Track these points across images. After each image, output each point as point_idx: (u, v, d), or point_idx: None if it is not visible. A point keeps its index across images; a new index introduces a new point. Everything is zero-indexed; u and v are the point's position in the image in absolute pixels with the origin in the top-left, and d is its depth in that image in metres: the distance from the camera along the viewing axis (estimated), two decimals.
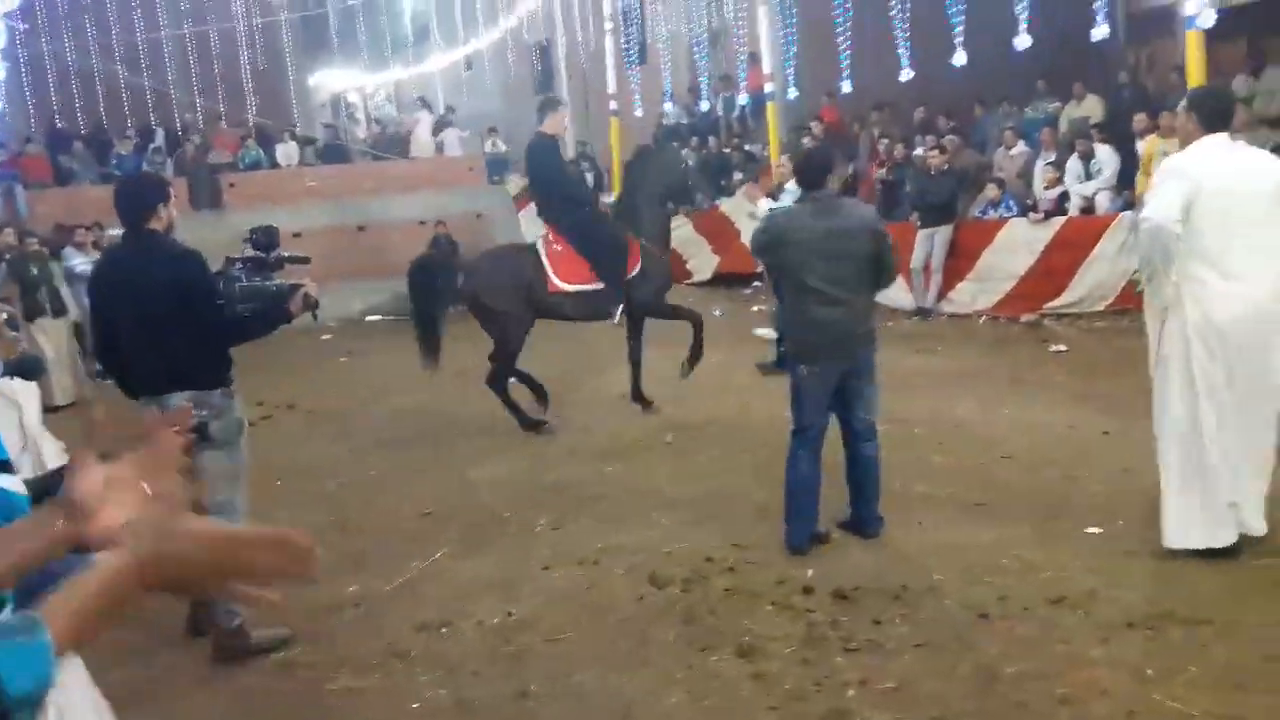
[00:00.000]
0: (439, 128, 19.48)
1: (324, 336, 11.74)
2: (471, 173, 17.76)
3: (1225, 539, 4.08)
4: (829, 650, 3.71)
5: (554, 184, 7.49)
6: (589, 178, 17.14)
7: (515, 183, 18.65)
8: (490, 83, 20.65)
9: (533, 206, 17.30)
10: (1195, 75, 7.55)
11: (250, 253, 4.08)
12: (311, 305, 3.98)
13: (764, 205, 8.12)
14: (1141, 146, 9.48)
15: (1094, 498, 5.02)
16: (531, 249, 7.34)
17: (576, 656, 3.85)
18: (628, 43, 15.98)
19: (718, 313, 11.40)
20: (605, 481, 5.99)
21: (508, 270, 7.15)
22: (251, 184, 15.98)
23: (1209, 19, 7.23)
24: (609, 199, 10.94)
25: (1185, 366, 4.05)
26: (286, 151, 17.78)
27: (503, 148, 19.74)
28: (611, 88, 14.43)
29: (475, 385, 7.43)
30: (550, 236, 7.26)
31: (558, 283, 7.11)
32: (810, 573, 4.37)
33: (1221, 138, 4.07)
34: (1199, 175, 3.98)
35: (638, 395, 7.45)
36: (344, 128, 22.94)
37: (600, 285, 7.13)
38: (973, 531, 4.72)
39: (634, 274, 7.19)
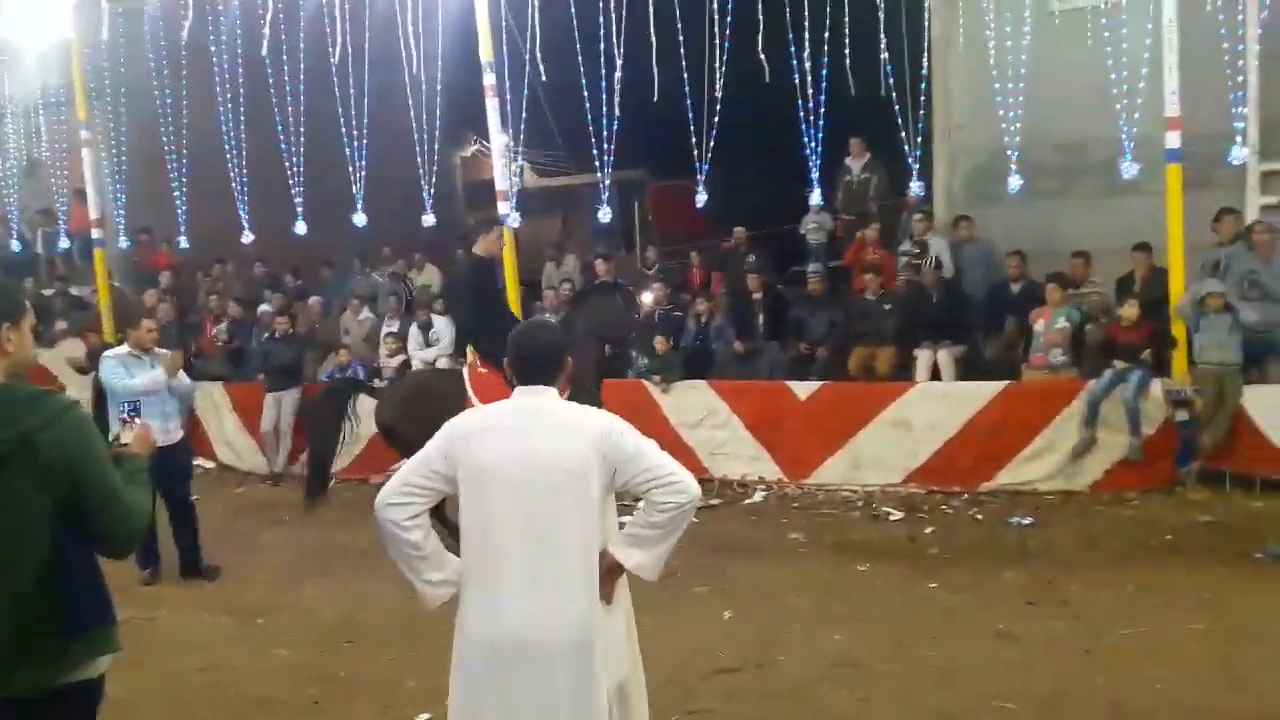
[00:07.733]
0: None
1: None
2: None
3: None
4: None
5: (490, 306, 7.19)
6: None
7: None
8: None
9: None
10: (510, 263, 8.57)
11: None
12: None
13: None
14: None
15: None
16: (454, 373, 7.14)
17: None
18: None
19: None
20: None
21: (425, 396, 6.88)
22: None
23: (516, 220, 8.36)
24: None
25: (459, 676, 2.96)
26: None
27: None
28: None
29: None
30: (476, 361, 7.10)
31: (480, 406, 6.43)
32: None
33: (541, 391, 2.95)
34: (471, 440, 2.90)
35: None
36: None
37: None
38: None
39: None
